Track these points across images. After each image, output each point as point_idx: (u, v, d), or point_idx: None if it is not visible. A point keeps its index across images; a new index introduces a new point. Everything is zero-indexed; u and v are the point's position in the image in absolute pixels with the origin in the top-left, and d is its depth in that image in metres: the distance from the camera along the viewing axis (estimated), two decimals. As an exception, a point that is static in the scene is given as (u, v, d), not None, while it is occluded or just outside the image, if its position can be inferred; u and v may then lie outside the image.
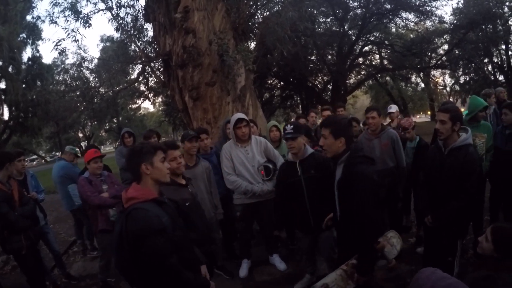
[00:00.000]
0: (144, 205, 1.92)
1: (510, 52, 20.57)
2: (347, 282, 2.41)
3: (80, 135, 39.97)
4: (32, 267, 3.74)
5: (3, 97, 21.57)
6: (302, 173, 3.23)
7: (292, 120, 10.32)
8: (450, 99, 32.18)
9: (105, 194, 3.89)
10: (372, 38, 18.03)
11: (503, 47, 20.44)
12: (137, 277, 2.00)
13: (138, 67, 11.63)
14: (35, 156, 45.03)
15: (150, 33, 9.34)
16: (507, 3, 17.05)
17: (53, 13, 8.90)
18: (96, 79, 11.50)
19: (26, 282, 3.80)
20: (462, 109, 4.86)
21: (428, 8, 14.89)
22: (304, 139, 3.42)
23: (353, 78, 21.62)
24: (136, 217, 1.88)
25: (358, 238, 2.33)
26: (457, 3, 18.01)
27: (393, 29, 17.89)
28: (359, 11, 15.66)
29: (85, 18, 8.44)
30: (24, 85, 22.80)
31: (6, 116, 23.73)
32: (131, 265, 1.95)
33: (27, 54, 24.24)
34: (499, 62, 21.38)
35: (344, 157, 2.43)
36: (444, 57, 18.09)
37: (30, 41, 23.11)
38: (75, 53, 17.09)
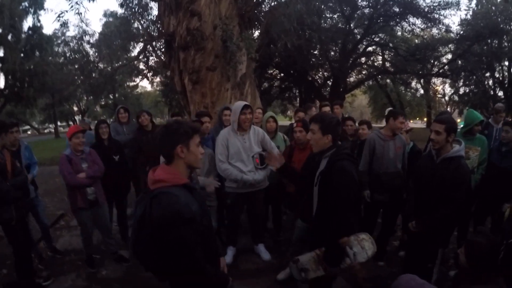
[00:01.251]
0: (173, 189, 1.74)
1: (512, 69, 20.66)
2: (318, 266, 2.50)
3: (75, 109, 39.56)
4: (20, 239, 3.71)
5: (0, 65, 21.21)
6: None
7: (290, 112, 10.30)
8: (448, 109, 32.38)
9: (82, 174, 3.88)
10: (377, 39, 18.00)
11: (506, 63, 20.52)
12: (155, 264, 1.85)
13: (140, 45, 11.53)
14: (28, 127, 44.67)
15: (155, 12, 9.27)
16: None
17: (58, -18, 8.75)
18: (96, 54, 11.34)
19: (12, 254, 3.77)
20: (458, 120, 4.88)
21: (436, 16, 14.90)
22: None
23: (354, 76, 21.65)
24: (164, 202, 1.70)
25: (328, 229, 2.41)
26: (466, 14, 18.09)
27: (399, 33, 17.87)
28: (367, 10, 15.60)
29: (91, -10, 8.33)
30: (22, 55, 22.37)
31: (1, 84, 23.49)
32: (151, 251, 1.79)
33: (27, 23, 23.90)
34: (500, 78, 21.45)
35: (330, 152, 2.51)
36: (446, 66, 18.16)
37: (32, 10, 22.63)
38: (77, 26, 16.91)
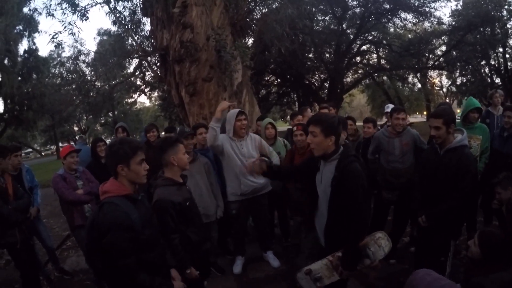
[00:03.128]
0: (116, 199, 1.97)
1: (507, 55, 20.63)
2: (332, 272, 2.45)
3: (76, 128, 39.63)
4: (26, 262, 3.71)
5: (-2, 89, 21.34)
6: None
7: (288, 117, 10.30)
8: (447, 100, 32.35)
9: (80, 191, 3.93)
10: (370, 38, 18.00)
11: (501, 50, 20.47)
12: (95, 265, 2.06)
13: (135, 61, 11.58)
14: (30, 150, 44.76)
15: (148, 27, 9.32)
16: (506, 7, 17.07)
17: (50, 5, 8.78)
18: (93, 73, 11.39)
19: (20, 277, 3.77)
20: (458, 111, 4.86)
21: (427, 9, 14.92)
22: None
23: (350, 76, 21.60)
24: (106, 209, 1.94)
25: (345, 233, 2.35)
26: (456, 5, 17.98)
27: (392, 29, 17.88)
28: (358, 10, 15.62)
29: (83, 11, 8.34)
30: (19, 78, 22.53)
31: (1, 109, 23.61)
32: (98, 258, 2.00)
33: (23, 46, 23.96)
34: (496, 65, 21.42)
35: (337, 155, 2.43)
36: (441, 58, 18.12)
37: (27, 34, 22.79)
38: (72, 46, 16.95)
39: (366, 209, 2.41)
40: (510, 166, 3.75)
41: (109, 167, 2.06)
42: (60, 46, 9.21)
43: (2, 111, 23.09)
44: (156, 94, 21.26)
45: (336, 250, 2.48)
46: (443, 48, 18.96)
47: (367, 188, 2.39)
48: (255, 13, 9.34)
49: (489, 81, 21.95)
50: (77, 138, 39.17)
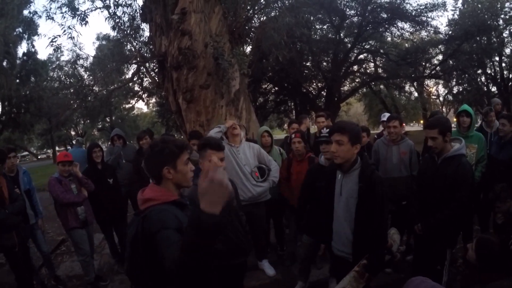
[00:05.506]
0: (163, 206, 1.71)
1: (503, 64, 20.82)
2: (359, 281, 2.44)
3: (73, 133, 39.52)
4: (22, 265, 3.70)
5: (-4, 91, 21.30)
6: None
7: (287, 123, 10.31)
8: (443, 109, 32.55)
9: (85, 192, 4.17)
10: (367, 46, 18.13)
11: (497, 58, 20.67)
12: (145, 282, 1.70)
13: (133, 67, 11.62)
14: (26, 153, 44.56)
15: (147, 33, 9.34)
16: (502, 16, 17.30)
17: (50, 8, 8.83)
18: (91, 77, 11.41)
19: (15, 280, 3.75)
20: (454, 119, 4.89)
21: (424, 19, 15.06)
22: None
23: (348, 85, 21.73)
24: (152, 216, 1.66)
25: (372, 240, 2.40)
26: (453, 15, 18.24)
27: (389, 38, 18.03)
28: (355, 19, 15.76)
29: (82, 15, 8.40)
30: (18, 80, 22.55)
31: (-2, 111, 23.50)
32: (144, 271, 1.67)
33: (22, 49, 24.13)
34: (492, 74, 21.61)
35: (358, 164, 2.46)
36: (438, 67, 18.28)
37: (26, 36, 22.87)
38: (71, 50, 17.02)
39: (386, 216, 2.53)
40: (504, 173, 3.78)
41: (150, 171, 1.81)
42: (59, 50, 9.24)
43: (-1, 113, 23.05)
44: (153, 100, 21.33)
45: (360, 259, 2.47)
46: (440, 57, 19.15)
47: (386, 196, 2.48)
48: (253, 21, 9.41)
49: (486, 89, 22.14)
50: (73, 142, 39.13)
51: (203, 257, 1.32)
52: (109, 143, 6.35)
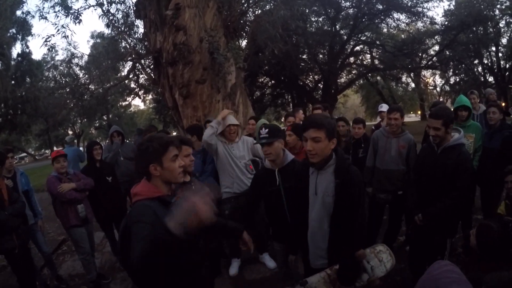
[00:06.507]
0: (147, 202, 1.77)
1: (500, 54, 20.88)
2: (329, 287, 2.26)
3: (70, 132, 39.42)
4: (23, 267, 3.68)
5: (-9, 93, 21.22)
6: (281, 182, 2.84)
7: (284, 118, 10.30)
8: (440, 99, 32.57)
9: (72, 184, 4.03)
10: (363, 38, 18.13)
11: (493, 48, 20.73)
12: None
13: (129, 64, 11.59)
14: (24, 154, 44.45)
15: (141, 30, 9.31)
16: (498, 6, 17.29)
17: (43, 8, 8.77)
18: (86, 76, 11.37)
19: (16, 282, 3.74)
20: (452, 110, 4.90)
21: (420, 9, 15.07)
22: (282, 143, 2.97)
23: (344, 77, 21.75)
24: (132, 210, 1.78)
25: (344, 242, 2.21)
26: (449, 5, 18.19)
27: (385, 30, 18.02)
28: (351, 11, 15.75)
29: (76, 13, 8.32)
30: (13, 82, 22.48)
31: (-6, 113, 23.41)
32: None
33: (16, 49, 23.94)
34: (489, 64, 21.68)
35: (333, 160, 2.25)
36: (434, 57, 18.28)
37: (20, 37, 22.78)
38: (65, 49, 16.99)
39: (364, 214, 2.32)
40: (495, 160, 3.78)
41: (140, 169, 1.87)
42: (53, 49, 9.22)
43: (-5, 115, 22.98)
44: (150, 96, 21.32)
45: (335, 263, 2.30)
46: (436, 47, 19.14)
47: (364, 191, 2.33)
48: (248, 15, 9.37)
49: (482, 79, 22.18)
50: (66, 140, 39.07)
51: (162, 257, 1.41)
52: (107, 140, 6.32)
